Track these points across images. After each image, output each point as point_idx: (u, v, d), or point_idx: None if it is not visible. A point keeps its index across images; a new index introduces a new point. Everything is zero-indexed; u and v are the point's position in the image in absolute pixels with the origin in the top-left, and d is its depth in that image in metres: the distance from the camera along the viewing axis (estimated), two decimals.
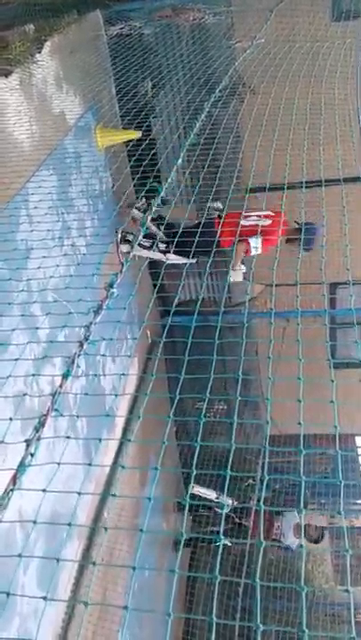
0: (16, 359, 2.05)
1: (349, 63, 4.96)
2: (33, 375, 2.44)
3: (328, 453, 7.49)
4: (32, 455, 1.37)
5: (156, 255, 5.22)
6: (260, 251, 4.81)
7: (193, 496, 6.49)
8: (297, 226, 4.93)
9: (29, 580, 3.68)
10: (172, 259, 4.82)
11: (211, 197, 3.04)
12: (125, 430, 5.73)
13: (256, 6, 6.31)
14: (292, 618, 6.91)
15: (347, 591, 1.43)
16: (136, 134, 5.10)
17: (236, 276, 5.05)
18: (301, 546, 7.56)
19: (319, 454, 7.86)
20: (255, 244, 4.81)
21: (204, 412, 1.92)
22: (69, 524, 1.46)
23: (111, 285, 1.94)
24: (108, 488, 5.13)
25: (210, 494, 6.91)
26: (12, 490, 1.29)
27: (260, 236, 4.78)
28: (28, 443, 1.39)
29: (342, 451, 1.69)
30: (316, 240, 4.78)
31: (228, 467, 1.51)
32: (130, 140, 5.25)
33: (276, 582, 7.44)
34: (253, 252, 4.84)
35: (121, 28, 6.60)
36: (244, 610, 6.59)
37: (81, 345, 1.73)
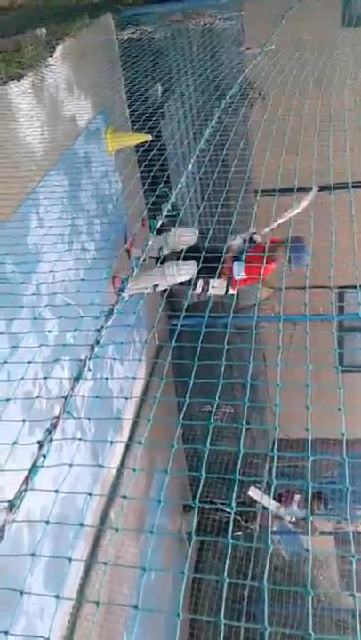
0: (28, 362, 2.08)
1: (360, 69, 4.96)
2: (45, 378, 2.47)
3: (335, 458, 7.50)
4: (44, 457, 1.40)
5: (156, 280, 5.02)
6: (243, 276, 4.59)
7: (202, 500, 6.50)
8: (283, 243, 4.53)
9: (36, 580, 3.71)
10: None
11: (220, 204, 3.04)
12: (132, 432, 5.75)
13: (267, 12, 6.33)
14: (297, 623, 6.89)
15: (352, 596, 1.44)
16: (146, 138, 5.12)
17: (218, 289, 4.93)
18: (307, 550, 7.55)
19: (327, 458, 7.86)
20: (238, 270, 4.62)
21: (212, 415, 1.94)
22: (81, 525, 1.48)
23: (122, 290, 1.97)
24: (115, 489, 5.15)
25: (265, 500, 6.90)
26: (24, 490, 1.32)
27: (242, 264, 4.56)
28: (40, 444, 1.42)
29: (350, 455, 1.70)
30: (304, 257, 4.48)
31: (237, 471, 1.53)
32: (140, 145, 5.28)
33: (282, 586, 7.44)
34: (237, 277, 4.65)
35: (132, 33, 6.65)
36: (248, 614, 6.59)
37: (92, 348, 1.76)
